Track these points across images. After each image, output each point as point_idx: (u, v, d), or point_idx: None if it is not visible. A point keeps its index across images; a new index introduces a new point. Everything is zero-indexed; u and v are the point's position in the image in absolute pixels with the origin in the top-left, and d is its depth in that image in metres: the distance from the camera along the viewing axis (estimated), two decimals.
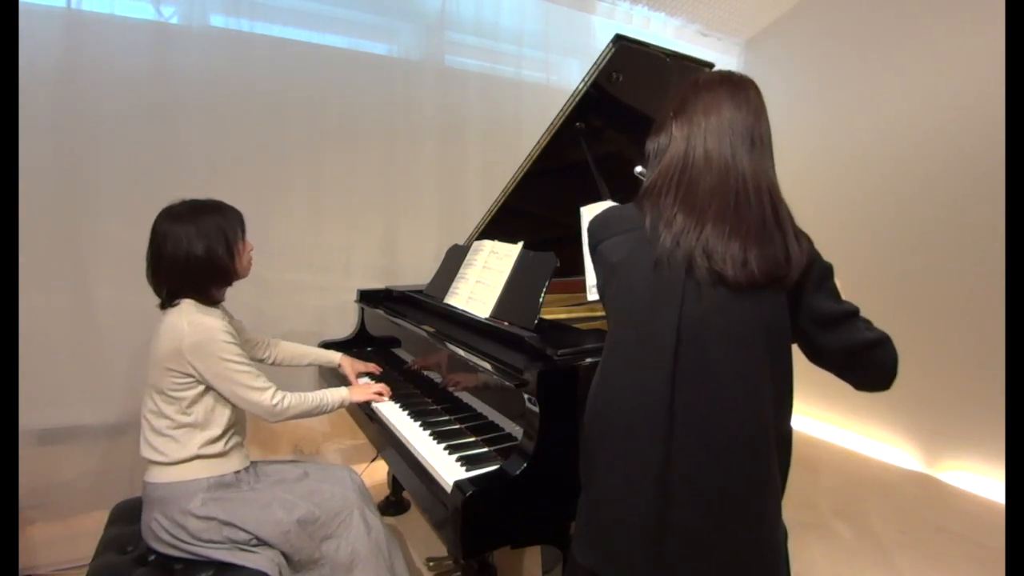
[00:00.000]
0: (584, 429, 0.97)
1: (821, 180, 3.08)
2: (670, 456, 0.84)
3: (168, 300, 1.33)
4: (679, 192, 0.89)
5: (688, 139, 0.91)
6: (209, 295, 1.36)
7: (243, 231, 1.41)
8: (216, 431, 1.33)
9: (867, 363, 0.90)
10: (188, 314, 1.30)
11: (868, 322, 0.91)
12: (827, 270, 0.89)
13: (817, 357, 0.93)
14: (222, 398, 1.34)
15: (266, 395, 1.35)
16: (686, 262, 0.85)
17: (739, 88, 0.93)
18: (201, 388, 1.31)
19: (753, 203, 0.85)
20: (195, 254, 1.30)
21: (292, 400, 1.41)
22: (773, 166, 0.92)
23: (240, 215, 1.42)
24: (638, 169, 1.21)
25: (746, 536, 0.85)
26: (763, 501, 0.86)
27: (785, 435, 0.90)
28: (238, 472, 1.37)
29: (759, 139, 0.90)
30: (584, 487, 0.98)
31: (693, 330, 0.84)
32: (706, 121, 0.91)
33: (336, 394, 1.54)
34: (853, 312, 0.90)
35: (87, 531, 1.69)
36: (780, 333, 0.86)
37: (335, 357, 1.81)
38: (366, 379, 1.83)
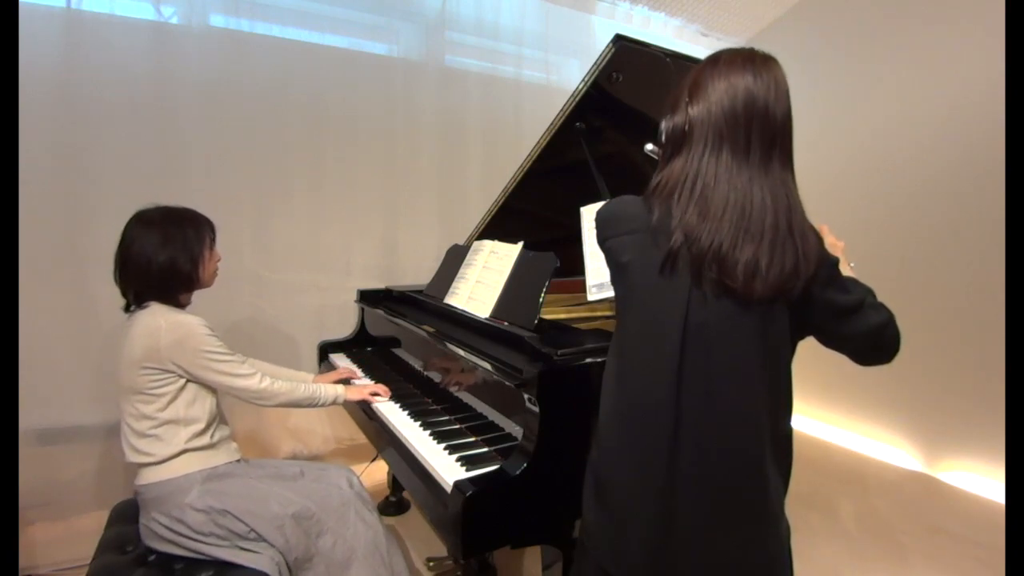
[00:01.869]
0: (597, 422, 0.98)
1: (820, 180, 3.08)
2: (675, 456, 0.85)
3: (135, 302, 1.35)
4: (692, 196, 0.85)
5: (706, 135, 0.86)
6: (174, 299, 1.38)
7: (212, 241, 1.42)
8: (200, 425, 1.34)
9: (879, 344, 0.91)
10: (163, 314, 1.31)
11: (872, 297, 0.91)
12: (834, 264, 0.87)
13: (833, 345, 0.93)
14: (202, 391, 1.36)
15: (253, 379, 1.38)
16: (694, 268, 0.83)
17: (762, 70, 0.86)
18: (181, 383, 1.32)
19: (768, 213, 0.82)
20: (157, 261, 1.31)
21: (282, 386, 1.43)
22: (791, 164, 0.87)
23: (211, 225, 1.43)
24: (649, 147, 1.16)
25: (749, 532, 0.86)
26: (764, 500, 0.87)
27: (784, 437, 0.91)
28: (229, 463, 1.38)
29: (779, 132, 0.85)
30: (593, 482, 0.98)
31: (697, 334, 0.84)
32: (723, 109, 0.85)
33: (331, 390, 1.56)
34: (862, 299, 0.89)
35: (87, 531, 1.69)
36: (779, 341, 0.86)
37: (308, 379, 1.76)
38: (365, 379, 1.83)
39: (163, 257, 1.31)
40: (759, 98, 0.84)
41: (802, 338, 0.92)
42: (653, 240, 0.87)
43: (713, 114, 0.86)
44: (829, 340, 0.93)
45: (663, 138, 0.94)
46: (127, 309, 1.37)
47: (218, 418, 1.41)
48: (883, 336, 0.90)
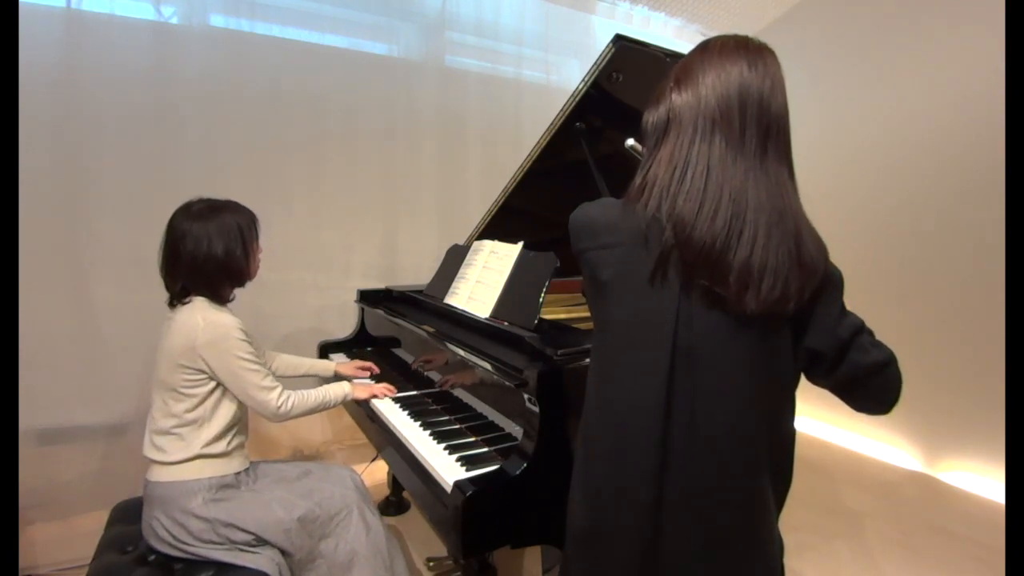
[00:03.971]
0: (579, 438, 0.92)
1: (820, 180, 3.08)
2: (662, 486, 0.79)
3: (180, 297, 1.35)
4: (683, 188, 0.76)
5: (695, 121, 0.78)
6: (221, 294, 1.38)
7: (257, 233, 1.43)
8: (218, 429, 1.33)
9: (871, 386, 0.83)
10: (202, 311, 1.31)
11: (872, 336, 0.83)
12: (838, 285, 0.80)
13: (819, 378, 0.85)
14: (227, 396, 1.36)
15: (273, 394, 1.37)
16: (684, 275, 0.76)
17: (756, 59, 0.79)
18: (211, 385, 1.32)
19: (764, 213, 0.74)
20: (214, 253, 1.31)
21: (296, 400, 1.43)
22: (790, 162, 0.80)
23: (255, 217, 1.43)
24: (629, 142, 1.08)
25: (738, 558, 0.82)
26: (754, 525, 0.82)
27: (782, 455, 0.86)
28: (238, 473, 1.37)
29: (775, 124, 0.78)
30: (579, 496, 0.91)
31: (686, 356, 0.77)
32: (716, 96, 0.77)
33: (339, 389, 1.56)
34: (859, 329, 0.81)
35: (87, 531, 1.69)
36: (780, 360, 0.80)
37: (330, 366, 1.83)
38: (367, 380, 1.83)
39: (219, 250, 1.31)
40: (752, 88, 0.77)
41: (801, 367, 0.83)
42: (645, 247, 0.79)
43: (704, 100, 0.78)
44: (816, 374, 0.84)
45: (647, 129, 0.85)
46: (171, 304, 1.36)
47: (239, 424, 1.40)
48: (881, 377, 0.81)
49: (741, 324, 0.76)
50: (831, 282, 0.79)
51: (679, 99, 0.80)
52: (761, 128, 0.77)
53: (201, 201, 1.37)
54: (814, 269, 0.75)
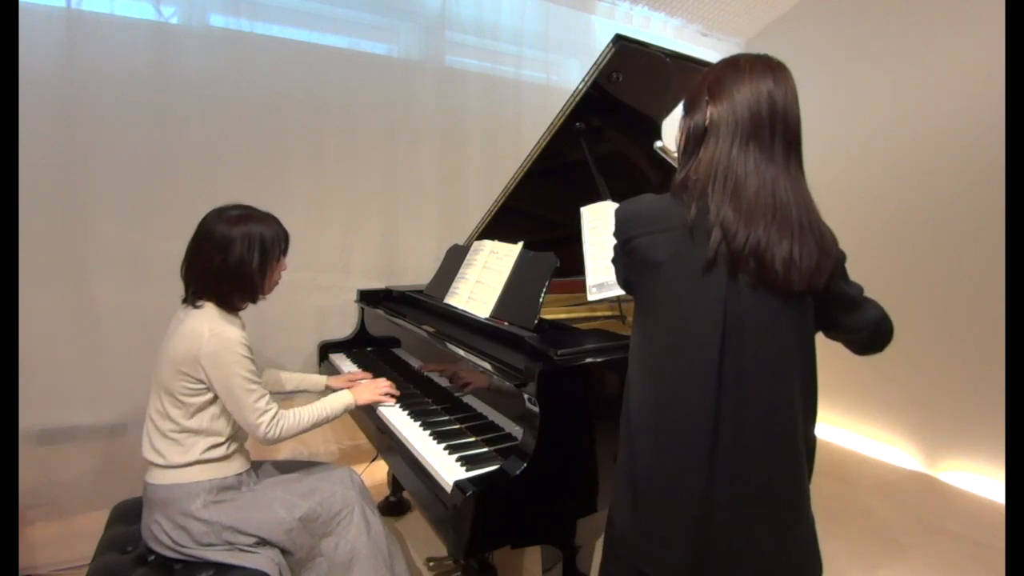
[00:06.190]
0: (628, 425, 0.96)
1: (820, 179, 3.06)
2: (714, 458, 0.86)
3: (192, 298, 1.33)
4: (725, 190, 0.86)
5: (732, 131, 0.88)
6: (230, 303, 1.35)
7: (283, 252, 1.41)
8: (219, 438, 1.33)
9: (880, 334, 1.00)
10: (210, 320, 1.29)
11: (863, 292, 0.99)
12: (844, 258, 0.94)
13: (839, 337, 1.02)
14: (227, 410, 1.34)
15: (264, 418, 1.32)
16: (731, 264, 0.85)
17: (780, 76, 0.90)
18: (210, 396, 1.31)
19: (794, 209, 0.86)
20: (228, 260, 1.30)
21: (287, 424, 1.37)
22: (803, 167, 0.92)
23: (286, 235, 1.42)
24: (658, 144, 1.17)
25: (783, 527, 0.88)
26: (797, 495, 0.90)
27: (811, 436, 0.94)
28: (239, 475, 1.37)
29: (795, 135, 0.90)
30: (626, 487, 0.95)
31: (735, 332, 0.86)
32: (749, 110, 0.88)
33: (338, 400, 1.50)
34: (862, 292, 0.98)
35: (87, 531, 1.69)
36: (810, 334, 0.91)
37: (320, 381, 1.76)
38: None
39: (234, 258, 1.30)
40: (779, 102, 0.88)
41: (817, 331, 0.95)
42: (692, 237, 0.87)
43: (739, 113, 0.88)
44: (837, 332, 1.01)
45: (684, 135, 0.96)
46: (184, 300, 1.35)
47: (238, 432, 1.38)
48: (883, 327, 1.00)
49: (783, 299, 0.86)
50: (842, 260, 0.94)
51: (715, 110, 0.91)
52: (786, 139, 0.89)
53: (236, 207, 1.36)
54: (831, 250, 0.89)
